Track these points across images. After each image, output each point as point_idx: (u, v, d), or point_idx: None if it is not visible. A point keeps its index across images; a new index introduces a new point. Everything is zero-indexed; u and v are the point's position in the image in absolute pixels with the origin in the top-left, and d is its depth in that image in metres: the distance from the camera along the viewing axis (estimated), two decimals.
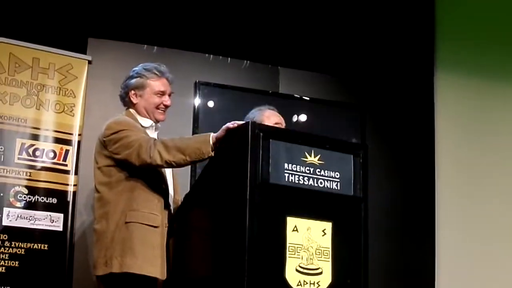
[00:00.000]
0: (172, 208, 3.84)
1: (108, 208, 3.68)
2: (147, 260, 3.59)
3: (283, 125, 4.36)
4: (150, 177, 3.70)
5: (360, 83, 5.99)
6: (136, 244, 3.59)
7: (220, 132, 3.50)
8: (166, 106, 3.89)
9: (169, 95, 3.91)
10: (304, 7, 5.85)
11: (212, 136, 3.51)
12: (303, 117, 5.80)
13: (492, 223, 5.82)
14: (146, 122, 3.86)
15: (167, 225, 3.73)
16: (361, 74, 5.98)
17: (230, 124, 3.50)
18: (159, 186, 3.74)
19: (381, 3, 6.04)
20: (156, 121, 3.89)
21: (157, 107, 3.87)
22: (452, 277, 5.77)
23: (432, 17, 6.11)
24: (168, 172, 3.86)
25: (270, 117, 4.36)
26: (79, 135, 4.85)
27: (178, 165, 3.60)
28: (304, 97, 5.83)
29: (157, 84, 3.88)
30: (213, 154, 3.50)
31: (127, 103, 3.92)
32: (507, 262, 5.77)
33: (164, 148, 3.54)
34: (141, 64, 3.96)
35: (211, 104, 5.50)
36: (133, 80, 3.88)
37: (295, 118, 5.75)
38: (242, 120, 3.77)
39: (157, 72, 3.89)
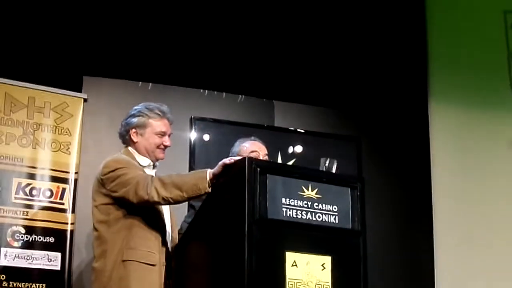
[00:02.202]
0: (169, 246, 3.82)
1: (106, 247, 3.66)
2: None
3: (261, 153, 4.39)
4: (148, 215, 3.69)
5: (355, 114, 6.02)
6: (133, 283, 3.58)
7: (217, 168, 3.51)
8: (166, 147, 3.90)
9: (169, 136, 3.92)
10: (297, 41, 5.89)
11: (209, 172, 3.51)
12: (298, 150, 5.80)
13: (490, 256, 5.80)
14: (144, 161, 3.87)
15: (164, 263, 3.71)
16: (356, 105, 6.00)
17: (226, 160, 3.51)
18: (156, 224, 3.72)
19: (374, 36, 6.08)
20: (156, 160, 3.90)
21: (157, 147, 3.88)
22: None
23: (425, 48, 6.14)
24: (166, 210, 3.85)
25: (248, 147, 4.41)
26: (75, 173, 4.85)
27: (176, 201, 3.60)
28: (299, 130, 5.84)
29: (158, 124, 3.89)
30: (210, 190, 3.50)
31: (127, 141, 3.92)
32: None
33: (161, 184, 3.54)
34: (143, 103, 3.97)
35: (207, 138, 5.51)
36: (135, 119, 3.89)
37: (290, 151, 5.75)
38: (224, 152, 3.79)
39: (159, 112, 3.90)
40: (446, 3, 6.26)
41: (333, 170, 3.69)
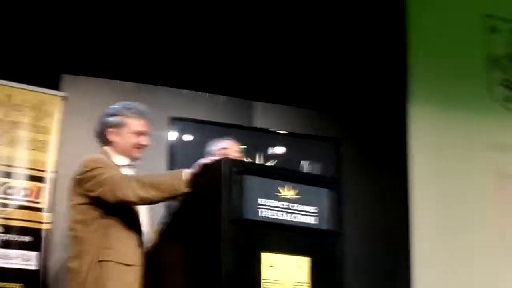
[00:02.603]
0: (146, 246, 3.80)
1: (82, 247, 3.65)
2: None
3: (232, 151, 4.39)
4: (125, 215, 3.67)
5: (334, 116, 6.03)
6: (109, 283, 3.56)
7: (194, 168, 3.50)
8: (143, 146, 3.88)
9: (146, 135, 3.91)
10: (278, 42, 5.89)
11: (186, 172, 3.50)
12: (278, 151, 5.80)
13: (469, 255, 5.84)
14: (121, 160, 3.85)
15: (141, 264, 3.70)
16: (335, 107, 6.01)
17: (204, 160, 3.50)
18: (133, 224, 3.71)
19: (354, 38, 6.09)
20: (132, 159, 3.88)
21: (134, 147, 3.86)
22: None
23: (404, 51, 6.17)
24: (143, 210, 3.83)
25: (220, 145, 4.44)
26: (53, 172, 4.81)
27: (152, 201, 3.58)
28: (279, 131, 5.84)
29: (135, 123, 3.87)
30: (186, 191, 3.49)
31: (103, 140, 3.90)
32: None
33: (138, 185, 3.52)
34: (120, 102, 3.95)
35: (185, 139, 5.50)
36: (112, 118, 3.87)
37: (270, 152, 5.76)
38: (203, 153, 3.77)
39: (136, 112, 3.89)
40: (426, 5, 6.29)
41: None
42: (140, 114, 3.89)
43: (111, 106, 3.93)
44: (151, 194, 3.50)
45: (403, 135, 6.04)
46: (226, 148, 4.38)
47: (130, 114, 3.87)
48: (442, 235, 5.88)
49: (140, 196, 3.51)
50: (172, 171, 3.88)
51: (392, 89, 6.12)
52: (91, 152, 3.89)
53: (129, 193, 3.51)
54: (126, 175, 3.69)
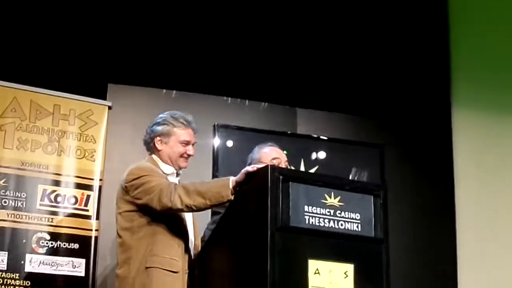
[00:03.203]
0: (192, 253, 3.84)
1: (130, 254, 3.69)
2: None
3: (282, 160, 4.39)
4: (171, 222, 3.71)
5: (378, 121, 6.00)
6: None
7: (239, 176, 3.52)
8: (189, 156, 3.93)
9: (193, 145, 3.95)
10: (321, 48, 5.90)
11: (232, 180, 3.53)
12: (321, 157, 5.80)
13: None
14: (168, 169, 3.89)
15: (187, 270, 3.73)
16: (379, 112, 5.99)
17: (249, 168, 3.52)
18: (179, 231, 3.74)
19: (398, 43, 6.07)
20: (179, 168, 3.92)
21: (181, 156, 3.90)
22: None
23: (447, 54, 6.13)
24: (189, 217, 3.86)
25: (268, 153, 4.41)
26: (100, 180, 4.87)
27: (198, 209, 3.62)
28: (322, 137, 5.84)
29: (183, 133, 3.91)
30: (232, 198, 3.51)
31: (151, 148, 3.95)
32: None
33: (184, 192, 3.56)
34: (168, 111, 3.99)
35: (230, 146, 5.53)
36: (160, 127, 3.91)
37: (313, 158, 5.75)
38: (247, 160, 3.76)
39: (184, 122, 3.93)
40: (470, 8, 6.24)
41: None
42: (187, 124, 3.93)
43: (159, 115, 3.98)
44: (198, 201, 3.54)
45: (448, 141, 5.99)
46: (277, 158, 4.37)
47: (178, 123, 3.91)
48: (487, 241, 5.82)
49: (186, 204, 3.55)
50: (218, 178, 3.90)
51: (436, 94, 6.08)
52: (136, 160, 3.95)
53: (176, 200, 3.55)
54: (173, 183, 3.72)
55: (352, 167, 5.71)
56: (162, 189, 3.61)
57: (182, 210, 3.65)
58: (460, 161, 5.95)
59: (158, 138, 3.90)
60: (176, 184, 3.69)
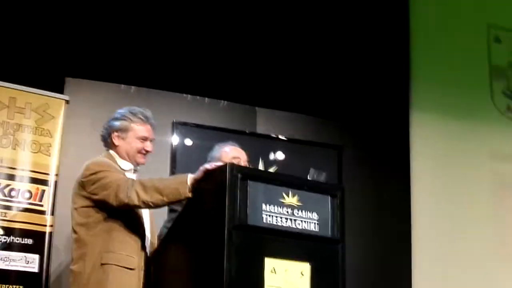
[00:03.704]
0: (148, 250, 3.81)
1: (85, 250, 3.66)
2: None
3: (242, 159, 4.39)
4: (128, 218, 3.69)
5: (337, 123, 6.03)
6: (112, 286, 3.57)
7: (198, 174, 3.51)
8: (147, 152, 3.90)
9: (151, 141, 3.92)
10: (282, 48, 5.90)
11: (190, 177, 3.51)
12: (280, 157, 5.81)
13: (472, 263, 5.84)
14: (126, 165, 3.86)
15: (143, 267, 3.70)
16: (338, 114, 6.02)
17: (208, 166, 3.51)
18: (136, 228, 3.72)
19: (357, 45, 6.10)
20: (136, 164, 3.89)
21: (139, 152, 3.87)
22: None
23: (407, 59, 6.18)
24: (146, 214, 3.84)
25: (229, 152, 4.42)
26: (55, 175, 4.81)
27: (156, 205, 3.60)
28: (281, 137, 5.85)
29: (141, 129, 3.89)
30: (190, 195, 3.50)
31: (108, 144, 3.92)
32: None
33: (141, 188, 3.54)
34: (127, 107, 3.97)
35: (188, 143, 5.50)
36: (118, 122, 3.89)
37: (271, 158, 5.76)
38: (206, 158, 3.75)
39: (142, 117, 3.91)
40: (430, 14, 6.31)
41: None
42: (145, 120, 3.91)
43: (117, 111, 3.94)
44: (155, 198, 3.52)
45: (406, 143, 6.04)
46: (237, 157, 4.36)
47: (136, 119, 3.89)
48: (443, 242, 5.88)
49: (143, 200, 3.53)
50: (176, 175, 3.88)
51: (395, 97, 6.12)
52: (93, 155, 3.91)
53: (133, 196, 3.53)
54: (130, 179, 3.69)
55: (310, 168, 5.72)
56: (119, 184, 3.59)
57: (139, 207, 3.63)
58: (417, 163, 6.00)
59: (116, 133, 3.87)
60: (133, 180, 3.67)
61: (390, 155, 6.06)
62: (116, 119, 3.90)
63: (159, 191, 3.52)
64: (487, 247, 5.91)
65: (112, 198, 3.58)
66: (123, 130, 3.87)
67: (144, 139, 3.89)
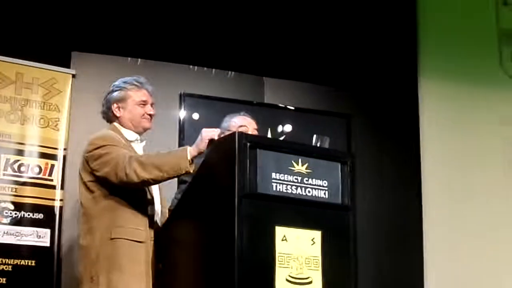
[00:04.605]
0: (159, 221, 3.81)
1: (92, 224, 3.65)
2: (134, 276, 3.57)
3: (249, 128, 4.37)
4: (135, 191, 3.67)
5: (345, 91, 6.01)
6: (123, 260, 3.57)
7: (202, 144, 3.50)
8: (150, 115, 3.88)
9: (152, 105, 3.90)
10: (288, 17, 5.86)
11: (190, 150, 3.50)
12: (288, 127, 5.79)
13: (480, 231, 5.83)
14: (131, 135, 3.85)
15: (152, 239, 3.71)
16: (346, 82, 5.99)
17: (210, 133, 3.50)
18: (144, 201, 3.71)
19: (364, 12, 6.06)
20: (144, 130, 3.88)
21: (142, 116, 3.86)
22: (441, 286, 5.77)
23: (414, 25, 6.14)
24: (155, 186, 3.83)
25: (237, 122, 4.39)
26: (64, 149, 4.82)
27: (155, 182, 3.59)
28: (289, 107, 5.83)
29: (138, 94, 3.87)
30: (191, 170, 3.49)
31: (110, 118, 3.90)
32: (496, 267, 5.77)
33: (139, 165, 3.51)
34: (120, 79, 3.96)
35: (196, 115, 5.50)
36: (114, 94, 3.88)
37: (280, 128, 5.75)
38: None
39: (136, 83, 3.89)
40: None
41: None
42: (140, 85, 3.90)
43: (112, 83, 3.94)
44: (154, 174, 3.50)
45: (415, 110, 6.01)
46: (244, 125, 4.35)
47: (131, 86, 3.88)
48: (453, 208, 5.88)
49: (142, 178, 3.51)
50: (176, 149, 3.84)
51: (403, 64, 6.09)
52: (100, 129, 3.89)
53: (131, 175, 3.51)
54: (129, 155, 3.64)
55: (318, 137, 5.70)
56: (118, 162, 3.55)
57: (137, 184, 3.58)
58: (426, 130, 5.98)
59: (115, 105, 3.86)
60: (131, 156, 3.61)
61: (399, 123, 6.04)
62: (112, 91, 3.89)
63: (158, 168, 3.49)
64: (498, 212, 5.89)
65: (112, 176, 3.57)
66: (121, 100, 3.86)
67: (144, 103, 3.87)
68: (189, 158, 3.48)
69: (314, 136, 3.71)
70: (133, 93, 3.87)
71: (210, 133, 3.52)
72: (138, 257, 3.62)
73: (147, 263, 3.64)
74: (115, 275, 3.55)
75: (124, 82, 3.90)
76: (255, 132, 4.40)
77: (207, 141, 3.49)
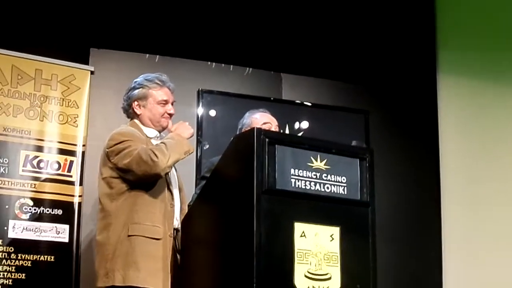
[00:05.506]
0: (179, 218, 3.83)
1: (109, 220, 3.68)
2: (150, 273, 3.60)
3: (273, 125, 4.37)
4: (152, 188, 3.69)
5: (363, 87, 5.99)
6: (139, 257, 3.59)
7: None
8: (170, 115, 3.90)
9: (172, 104, 3.91)
10: (305, 13, 5.85)
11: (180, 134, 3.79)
12: (306, 123, 5.78)
13: (498, 227, 5.79)
14: (151, 132, 3.87)
15: (171, 235, 3.71)
16: (364, 78, 5.97)
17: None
18: (161, 197, 3.72)
19: (383, 9, 6.03)
20: (162, 129, 3.89)
21: (162, 116, 3.87)
22: (459, 282, 5.74)
23: (433, 20, 6.11)
24: (174, 182, 3.85)
25: (259, 119, 4.39)
26: (83, 145, 4.83)
27: (170, 167, 3.69)
28: (306, 103, 5.82)
29: (159, 93, 3.89)
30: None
31: (131, 115, 3.92)
32: None
33: (161, 153, 3.59)
34: (142, 75, 3.97)
35: (214, 112, 5.49)
36: (136, 91, 3.89)
37: (297, 125, 5.74)
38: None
39: (158, 82, 3.90)
40: None
41: None
42: (162, 84, 3.91)
43: (133, 80, 3.94)
44: (174, 157, 3.65)
45: (433, 105, 5.99)
46: (268, 122, 4.35)
47: (153, 84, 3.89)
48: (472, 205, 5.84)
49: (167, 164, 3.60)
50: (170, 136, 3.87)
51: (421, 60, 6.07)
52: (119, 125, 3.93)
53: (160, 162, 3.58)
54: (149, 148, 3.67)
55: (336, 133, 5.70)
56: (140, 153, 3.59)
57: (159, 174, 3.62)
58: (445, 127, 5.96)
59: (136, 102, 3.88)
60: (150, 148, 3.65)
61: (418, 119, 6.02)
62: (134, 88, 3.91)
63: (173, 150, 3.64)
64: None
65: (136, 167, 3.59)
66: (142, 97, 3.87)
67: (165, 102, 3.89)
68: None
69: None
70: (154, 91, 3.88)
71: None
72: (155, 254, 3.64)
73: (164, 260, 3.66)
74: (131, 272, 3.57)
75: (146, 80, 3.90)
76: (277, 129, 4.41)
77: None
